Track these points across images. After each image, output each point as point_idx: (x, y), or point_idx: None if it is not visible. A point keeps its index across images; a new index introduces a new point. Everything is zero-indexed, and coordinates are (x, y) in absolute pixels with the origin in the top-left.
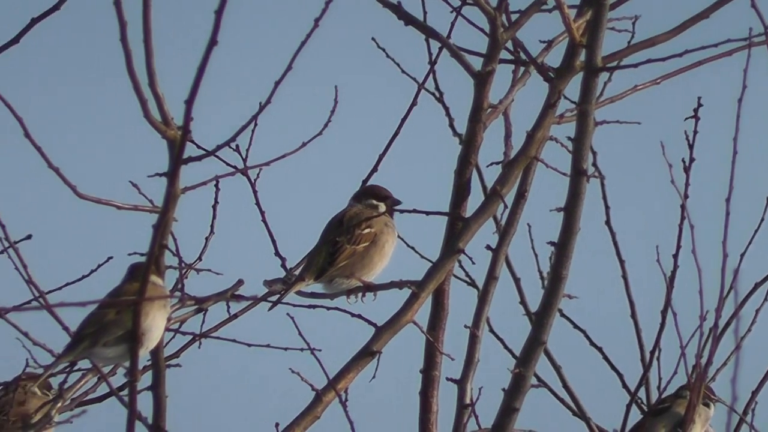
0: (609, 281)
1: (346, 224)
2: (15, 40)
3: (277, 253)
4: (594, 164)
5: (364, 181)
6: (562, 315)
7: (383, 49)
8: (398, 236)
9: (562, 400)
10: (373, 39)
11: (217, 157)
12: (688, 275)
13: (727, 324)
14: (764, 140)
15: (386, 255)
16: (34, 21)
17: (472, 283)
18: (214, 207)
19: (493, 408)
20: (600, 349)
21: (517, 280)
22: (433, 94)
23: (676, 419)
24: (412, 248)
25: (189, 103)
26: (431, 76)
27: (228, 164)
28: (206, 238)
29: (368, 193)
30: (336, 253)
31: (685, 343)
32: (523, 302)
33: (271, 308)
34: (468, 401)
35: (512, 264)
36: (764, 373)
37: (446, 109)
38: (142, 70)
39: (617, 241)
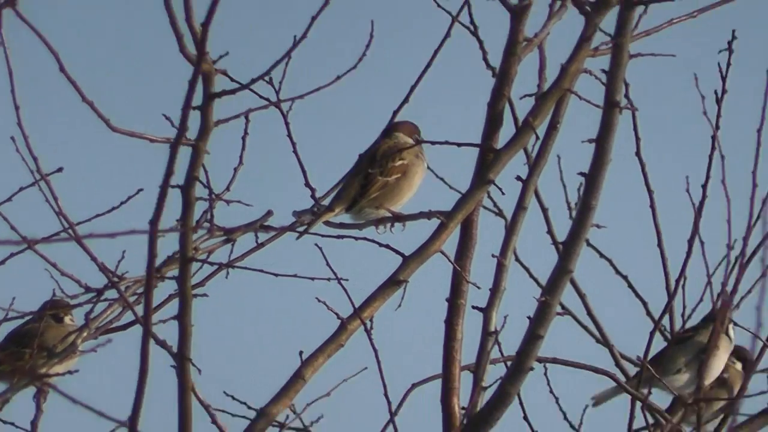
0: (637, 211)
1: (379, 157)
2: None
3: (307, 184)
4: (626, 96)
5: (395, 113)
6: (589, 244)
7: None
8: (428, 167)
9: (586, 328)
10: None
11: (252, 90)
12: (716, 205)
13: (754, 252)
14: None
15: (414, 186)
16: None
17: (501, 214)
18: (243, 138)
19: (518, 336)
20: (625, 278)
21: (545, 211)
22: (468, 28)
23: (698, 347)
24: (442, 179)
25: (205, 26)
26: (466, 9)
27: (262, 97)
28: (235, 169)
29: (396, 129)
30: (368, 185)
31: (711, 271)
32: (550, 232)
33: (299, 237)
34: (492, 329)
35: (541, 195)
36: None
37: (480, 42)
38: (180, 6)
39: (647, 171)
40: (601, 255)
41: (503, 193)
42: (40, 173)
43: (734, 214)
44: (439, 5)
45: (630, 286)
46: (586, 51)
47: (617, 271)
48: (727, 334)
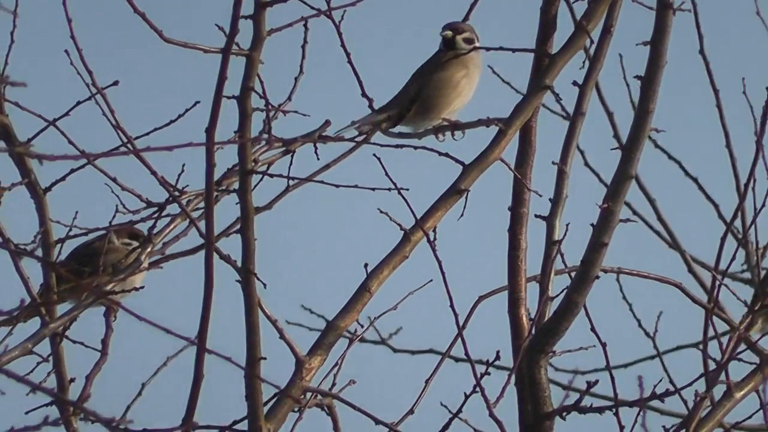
0: (704, 112)
1: (433, 65)
2: None
3: (363, 95)
4: None
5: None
6: (657, 146)
7: None
8: (490, 68)
9: (658, 233)
10: None
11: (302, 0)
12: None
13: None
14: None
15: (467, 92)
16: None
17: (568, 117)
18: (303, 47)
19: (583, 244)
20: (695, 180)
21: (610, 114)
22: None
23: None
24: (508, 83)
25: None
26: None
27: (312, 7)
28: (296, 78)
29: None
30: (420, 92)
31: None
32: (616, 136)
33: (356, 147)
34: (557, 238)
35: (605, 98)
36: None
37: None
38: None
39: (711, 70)
40: (670, 157)
41: (560, 99)
42: (96, 87)
43: None
44: None
45: (701, 188)
46: None
47: (687, 173)
48: None
